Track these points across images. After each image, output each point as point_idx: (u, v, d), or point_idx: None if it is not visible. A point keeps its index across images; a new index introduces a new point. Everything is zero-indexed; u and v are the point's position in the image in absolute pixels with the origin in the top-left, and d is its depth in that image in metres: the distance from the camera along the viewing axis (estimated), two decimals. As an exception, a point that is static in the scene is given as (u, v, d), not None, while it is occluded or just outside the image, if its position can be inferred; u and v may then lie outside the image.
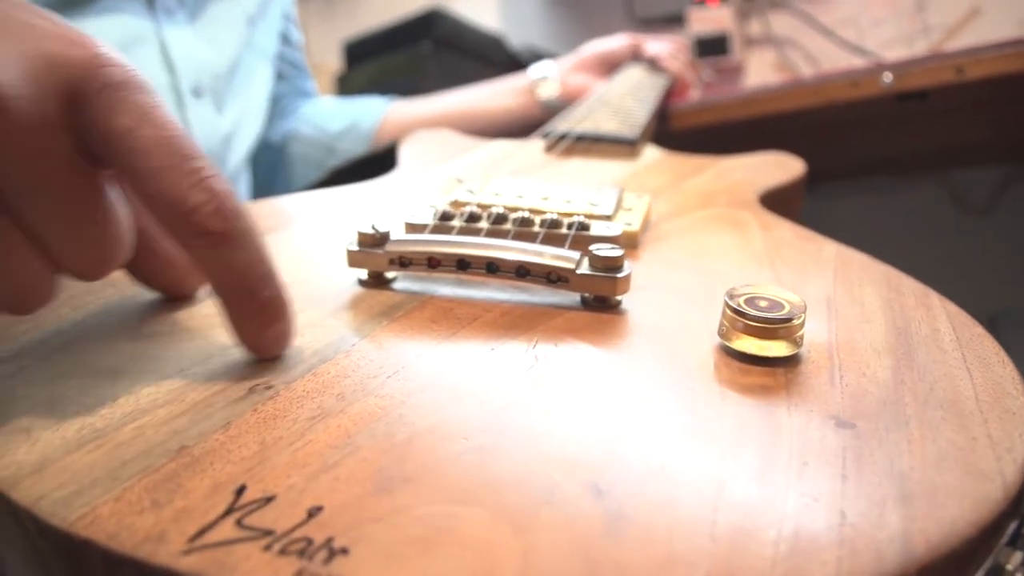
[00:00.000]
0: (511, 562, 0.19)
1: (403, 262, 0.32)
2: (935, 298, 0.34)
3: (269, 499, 0.20)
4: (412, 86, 0.83)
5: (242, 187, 0.70)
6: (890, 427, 0.25)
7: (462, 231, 0.35)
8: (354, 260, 0.32)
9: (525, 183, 0.41)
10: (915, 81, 0.62)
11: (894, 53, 0.94)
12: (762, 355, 0.28)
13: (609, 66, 0.75)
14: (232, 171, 0.65)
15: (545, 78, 0.74)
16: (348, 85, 0.96)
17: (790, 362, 0.28)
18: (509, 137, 0.74)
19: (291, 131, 0.78)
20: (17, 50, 0.23)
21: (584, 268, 0.31)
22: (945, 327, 0.31)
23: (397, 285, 0.33)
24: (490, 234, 0.34)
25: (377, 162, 0.57)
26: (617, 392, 0.26)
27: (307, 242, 0.37)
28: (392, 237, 0.32)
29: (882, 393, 0.27)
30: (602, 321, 0.30)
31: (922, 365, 0.29)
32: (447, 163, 0.49)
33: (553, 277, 0.31)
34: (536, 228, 0.35)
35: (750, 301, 0.29)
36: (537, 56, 0.95)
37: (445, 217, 0.35)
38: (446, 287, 0.32)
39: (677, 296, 0.33)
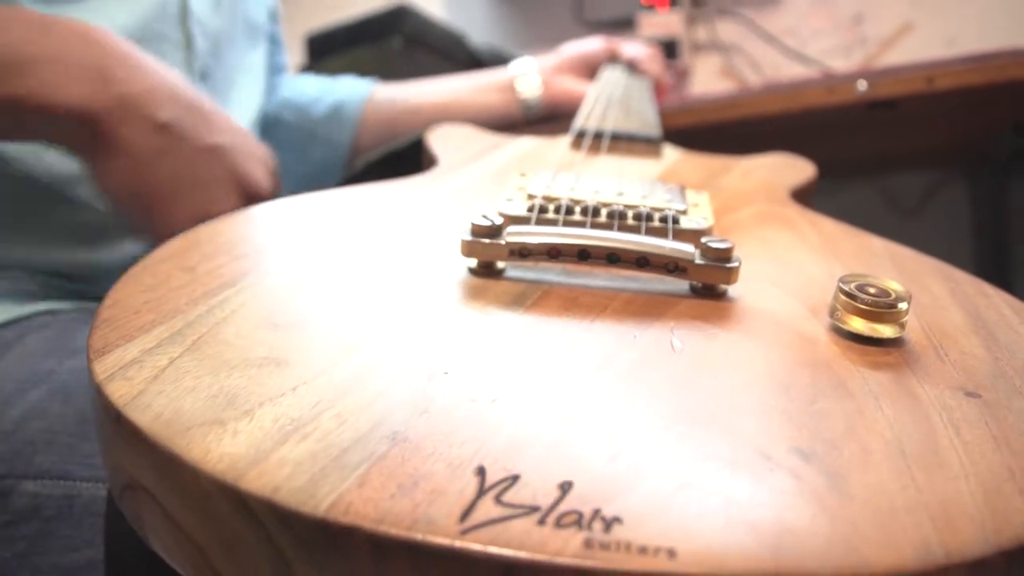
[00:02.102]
0: (768, 516, 0.21)
1: (523, 252, 0.33)
2: (987, 287, 0.38)
3: (515, 477, 0.21)
4: (381, 81, 0.83)
5: None
6: (1009, 396, 0.28)
7: (566, 223, 0.36)
8: (471, 250, 0.33)
9: (591, 179, 0.43)
10: (887, 90, 0.68)
11: (834, 62, 1.02)
12: (874, 336, 0.31)
13: (589, 68, 0.78)
14: None
15: (527, 75, 0.76)
16: (312, 80, 0.94)
17: (897, 343, 0.31)
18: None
19: (274, 115, 0.76)
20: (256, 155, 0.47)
21: (698, 259, 0.33)
22: (1008, 311, 0.35)
23: (509, 274, 0.33)
24: (594, 226, 0.36)
25: (401, 155, 0.57)
26: (767, 369, 0.28)
27: (394, 236, 0.37)
28: (509, 228, 0.33)
29: (987, 368, 0.30)
30: (720, 308, 0.32)
31: (1007, 344, 0.32)
32: (485, 158, 0.50)
33: (672, 267, 0.33)
34: (630, 221, 0.37)
35: (861, 287, 0.32)
36: (498, 56, 0.97)
37: (542, 210, 0.37)
38: (556, 276, 0.34)
39: (771, 284, 0.35)
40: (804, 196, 0.52)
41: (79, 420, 0.36)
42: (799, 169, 0.54)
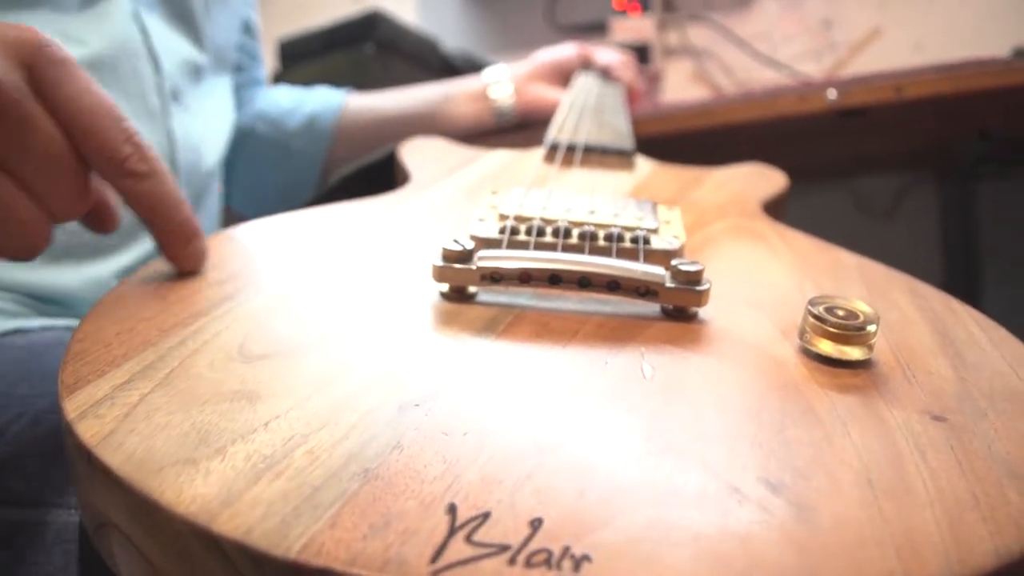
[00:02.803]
0: (736, 551, 0.21)
1: (494, 277, 0.33)
2: (955, 303, 0.38)
3: (486, 515, 0.22)
4: (354, 88, 0.82)
5: (213, 196, 0.67)
6: (975, 418, 0.29)
7: (537, 246, 0.36)
8: (442, 276, 0.33)
9: (563, 196, 0.43)
10: (857, 98, 0.69)
11: (805, 67, 1.03)
12: (843, 359, 0.31)
13: (562, 75, 0.78)
14: (204, 180, 0.63)
15: (500, 83, 0.76)
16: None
17: (865, 365, 0.32)
18: (455, 141, 0.76)
19: (248, 128, 0.75)
20: None
21: (669, 282, 0.33)
22: (975, 329, 0.36)
23: (481, 299, 0.34)
24: (565, 248, 0.36)
25: (375, 168, 0.57)
26: (738, 394, 0.28)
27: (367, 258, 0.37)
28: (480, 252, 0.33)
29: (954, 389, 0.31)
30: (691, 331, 0.33)
31: (973, 364, 0.33)
32: (459, 174, 0.50)
33: (642, 290, 0.33)
34: (601, 242, 0.37)
35: (829, 310, 0.32)
36: (471, 61, 0.97)
37: (514, 231, 0.37)
38: (527, 300, 0.34)
39: (741, 304, 0.36)
40: (776, 207, 0.53)
41: (51, 445, 0.36)
42: (771, 180, 0.55)
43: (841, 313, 0.32)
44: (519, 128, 0.77)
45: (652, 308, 0.34)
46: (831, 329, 0.31)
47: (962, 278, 1.02)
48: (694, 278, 0.33)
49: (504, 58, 0.89)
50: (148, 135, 0.54)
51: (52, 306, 0.48)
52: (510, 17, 1.24)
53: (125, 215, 0.52)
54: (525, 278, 0.33)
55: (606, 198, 0.44)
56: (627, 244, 0.37)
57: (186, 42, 0.62)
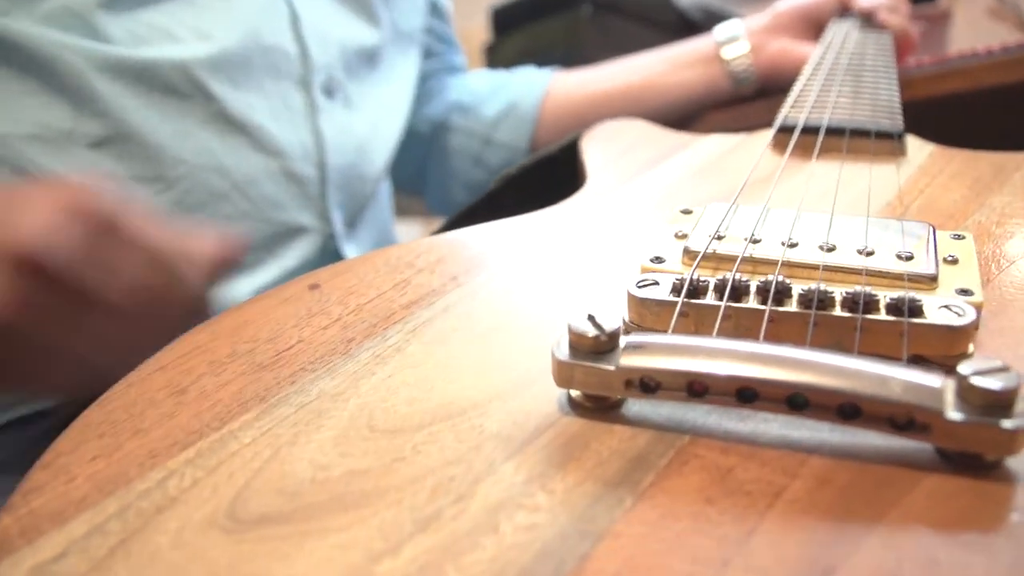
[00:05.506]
0: None
1: (647, 386, 0.19)
2: None
3: None
4: (570, 56, 0.69)
5: (382, 199, 0.59)
6: None
7: (726, 321, 0.22)
8: (565, 378, 0.20)
9: (786, 218, 0.27)
10: None
11: None
12: None
13: (812, 26, 0.59)
14: (370, 185, 0.53)
15: (735, 41, 0.59)
16: (497, 56, 0.82)
17: None
18: (686, 116, 0.60)
19: (441, 120, 0.65)
20: None
21: (952, 411, 0.17)
22: None
23: (629, 411, 0.20)
24: (773, 328, 0.21)
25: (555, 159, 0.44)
26: None
27: (479, 329, 0.24)
28: (626, 340, 0.20)
29: None
30: (985, 496, 0.17)
31: None
32: (651, 172, 0.36)
33: (902, 422, 0.18)
34: (838, 311, 0.21)
35: None
36: (710, 14, 0.79)
37: (693, 291, 0.22)
38: (700, 416, 0.20)
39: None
40: None
41: None
42: None
43: None
44: (760, 96, 0.60)
45: (919, 446, 0.19)
46: None
47: None
48: (1000, 401, 0.17)
49: (751, 9, 0.71)
50: (288, 137, 0.45)
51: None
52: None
53: (260, 227, 0.44)
54: (698, 390, 0.19)
55: (856, 217, 0.27)
56: (882, 316, 0.21)
57: (357, 23, 0.52)
